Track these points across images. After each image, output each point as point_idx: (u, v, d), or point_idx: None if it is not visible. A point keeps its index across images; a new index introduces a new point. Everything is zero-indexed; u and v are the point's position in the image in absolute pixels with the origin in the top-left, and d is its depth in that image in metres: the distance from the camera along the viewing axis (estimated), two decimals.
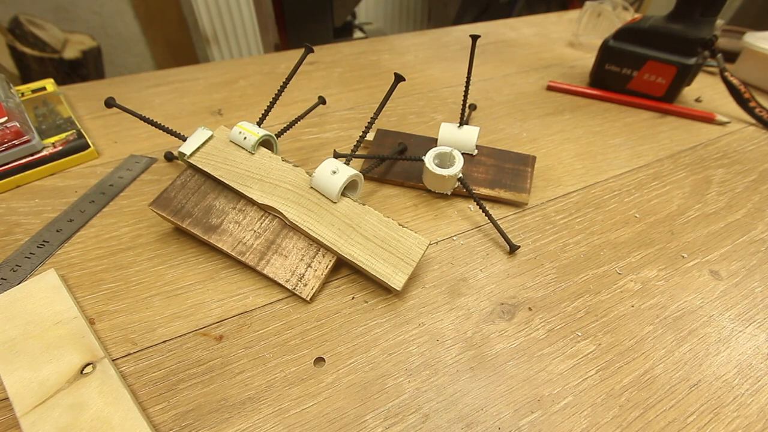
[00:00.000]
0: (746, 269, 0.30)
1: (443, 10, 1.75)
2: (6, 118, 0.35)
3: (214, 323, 0.26)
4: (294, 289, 0.27)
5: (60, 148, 0.37)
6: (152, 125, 0.33)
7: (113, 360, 0.24)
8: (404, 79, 0.32)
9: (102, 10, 1.32)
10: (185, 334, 0.25)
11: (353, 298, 0.28)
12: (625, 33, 0.49)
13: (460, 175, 0.33)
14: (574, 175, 0.38)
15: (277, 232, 0.29)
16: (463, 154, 0.35)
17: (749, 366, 0.24)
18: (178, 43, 1.47)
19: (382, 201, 0.35)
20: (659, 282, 0.29)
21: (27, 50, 1.12)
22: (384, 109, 0.44)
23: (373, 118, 0.32)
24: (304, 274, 0.27)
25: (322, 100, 0.41)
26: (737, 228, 0.33)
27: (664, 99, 0.49)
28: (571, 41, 0.68)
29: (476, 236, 0.32)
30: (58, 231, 0.31)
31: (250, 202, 0.30)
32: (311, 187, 0.30)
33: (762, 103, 0.49)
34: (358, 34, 1.37)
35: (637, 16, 0.54)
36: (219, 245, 0.28)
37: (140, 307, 0.26)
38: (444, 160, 0.34)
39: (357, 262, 0.27)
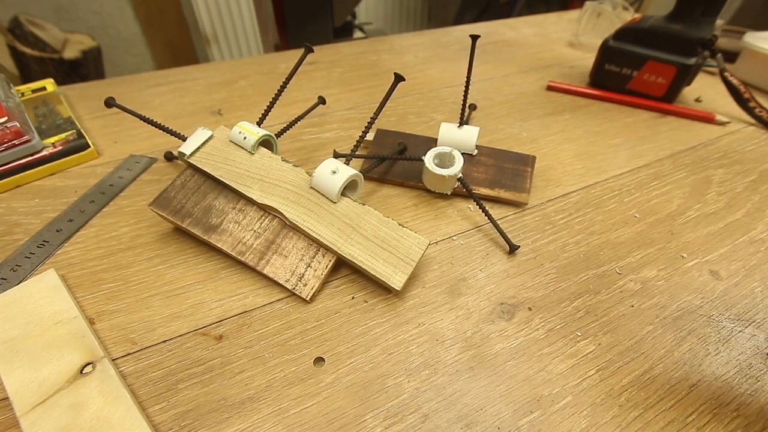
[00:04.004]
0: (746, 269, 0.30)
1: (443, 10, 1.75)
2: (6, 118, 0.35)
3: (213, 323, 0.26)
4: (294, 288, 0.27)
5: (60, 148, 0.37)
6: (152, 125, 0.33)
7: (113, 360, 0.24)
8: (404, 79, 0.32)
9: (102, 10, 1.32)
10: (185, 334, 0.25)
11: (353, 297, 0.28)
12: (625, 33, 0.49)
13: (460, 175, 0.33)
14: (574, 175, 0.38)
15: (276, 231, 0.29)
16: (462, 154, 0.35)
17: (749, 366, 0.24)
18: (178, 43, 1.47)
19: (382, 201, 0.35)
20: (659, 282, 0.29)
21: (27, 50, 1.12)
22: (384, 109, 0.44)
23: (373, 118, 0.32)
24: (303, 274, 0.27)
25: (322, 100, 0.41)
26: (737, 228, 0.33)
27: (664, 99, 0.49)
28: (571, 41, 0.68)
29: (476, 236, 0.32)
30: (58, 231, 0.31)
31: (250, 202, 0.30)
32: (311, 187, 0.30)
33: (762, 103, 0.49)
34: (358, 34, 1.37)
35: (637, 16, 0.54)
36: (219, 245, 0.28)
37: (140, 306, 0.26)
38: (444, 160, 0.34)
39: (357, 262, 0.27)
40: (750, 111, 0.47)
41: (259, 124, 0.33)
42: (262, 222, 0.29)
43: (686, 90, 0.53)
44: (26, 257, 0.29)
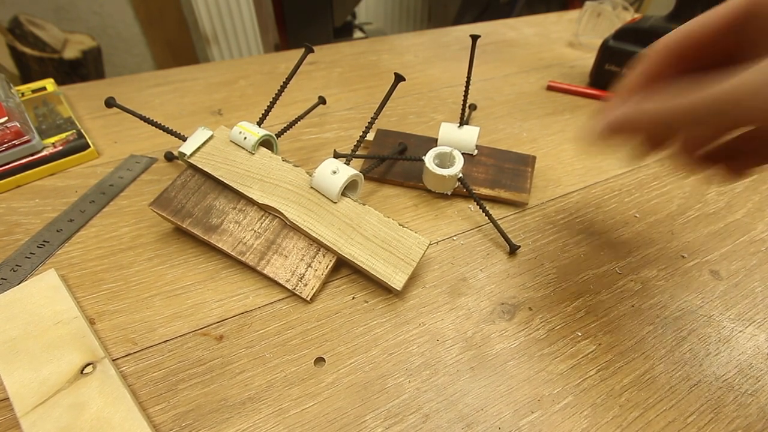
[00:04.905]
0: (746, 269, 0.30)
1: (443, 10, 1.75)
2: (6, 118, 0.35)
3: (214, 323, 0.26)
4: (294, 289, 0.27)
5: (60, 148, 0.37)
6: (152, 125, 0.33)
7: (113, 360, 0.24)
8: (404, 79, 0.32)
9: (102, 10, 1.32)
10: (185, 334, 0.25)
11: (353, 298, 0.28)
12: (625, 33, 0.49)
13: (460, 175, 0.33)
14: (574, 175, 0.38)
15: (277, 232, 0.29)
16: (463, 154, 0.35)
17: (749, 366, 0.24)
18: (178, 43, 1.47)
19: (383, 201, 0.35)
20: (659, 282, 0.29)
21: (27, 50, 1.12)
22: (384, 109, 0.44)
23: (373, 118, 0.32)
24: (304, 274, 0.27)
25: (322, 100, 0.41)
26: (737, 228, 0.33)
27: None
28: (571, 41, 0.68)
29: (476, 236, 0.32)
30: (58, 231, 0.31)
31: (251, 202, 0.30)
32: (311, 187, 0.30)
33: None
34: (358, 34, 1.37)
35: (637, 16, 0.54)
36: (219, 245, 0.28)
37: (140, 307, 0.26)
38: (444, 160, 0.34)
39: (357, 262, 0.27)
40: None
41: (259, 124, 0.33)
42: (263, 222, 0.29)
43: None
44: (26, 257, 0.29)
